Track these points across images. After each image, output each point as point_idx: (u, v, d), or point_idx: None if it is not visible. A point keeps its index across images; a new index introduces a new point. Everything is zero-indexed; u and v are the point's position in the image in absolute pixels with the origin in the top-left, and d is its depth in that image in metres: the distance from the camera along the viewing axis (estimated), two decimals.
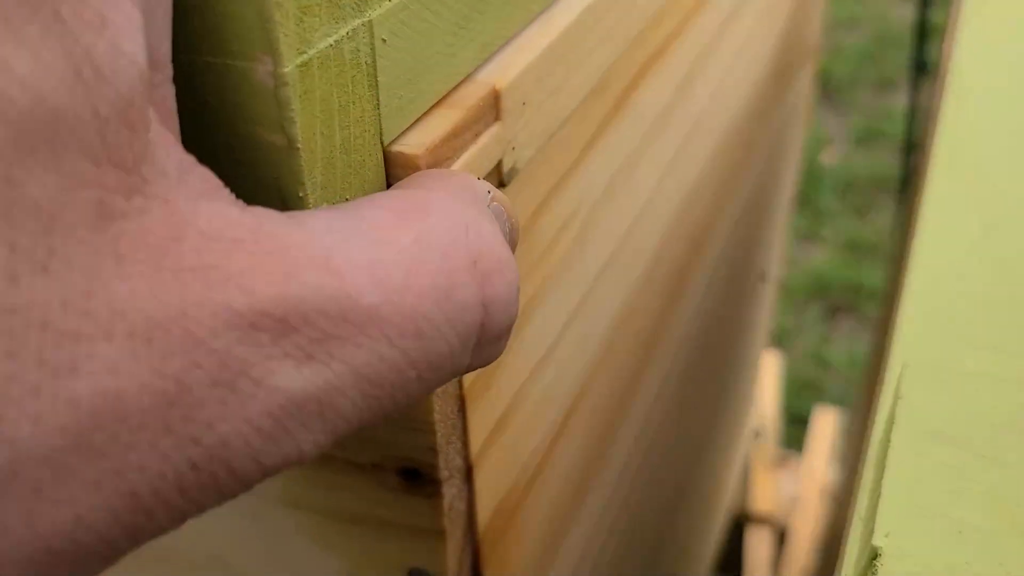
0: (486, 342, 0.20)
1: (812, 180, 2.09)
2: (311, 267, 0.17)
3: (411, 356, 0.18)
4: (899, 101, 2.29)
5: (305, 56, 0.20)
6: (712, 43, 0.50)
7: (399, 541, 0.31)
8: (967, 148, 0.39)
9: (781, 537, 1.13)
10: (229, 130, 0.21)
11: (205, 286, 0.15)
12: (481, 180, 0.23)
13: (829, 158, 2.19)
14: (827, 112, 2.32)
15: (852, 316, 1.83)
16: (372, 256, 0.18)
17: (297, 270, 0.17)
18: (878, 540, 0.22)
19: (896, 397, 0.26)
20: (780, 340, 1.75)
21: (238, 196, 0.22)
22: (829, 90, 2.37)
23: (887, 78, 2.42)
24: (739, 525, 1.15)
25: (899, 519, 0.22)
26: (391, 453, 0.29)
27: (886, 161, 2.16)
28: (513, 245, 0.23)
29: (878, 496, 0.23)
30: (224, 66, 0.20)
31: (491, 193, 0.23)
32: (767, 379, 1.28)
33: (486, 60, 0.27)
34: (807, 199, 2.06)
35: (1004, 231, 0.34)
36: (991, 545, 0.22)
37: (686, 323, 0.62)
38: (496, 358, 0.21)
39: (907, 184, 1.73)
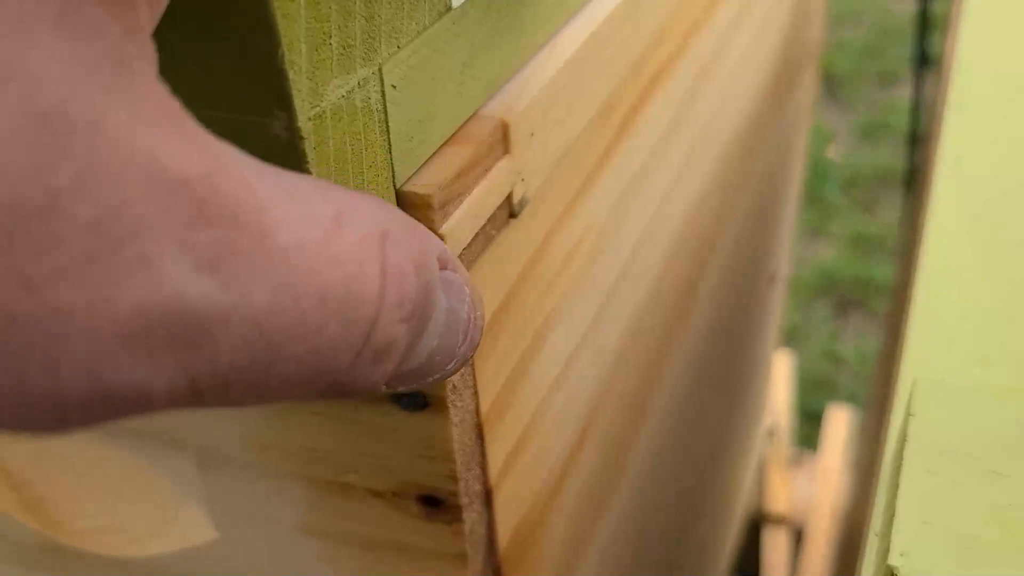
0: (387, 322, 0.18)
1: (817, 176, 2.09)
2: (244, 190, 0.16)
3: (310, 311, 0.16)
4: (902, 94, 2.29)
5: (318, 109, 0.20)
6: (714, 56, 0.50)
7: (420, 566, 0.32)
8: (973, 145, 0.39)
9: (798, 537, 1.13)
10: None
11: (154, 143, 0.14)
12: (439, 242, 0.21)
13: (834, 153, 2.18)
14: (830, 107, 2.31)
15: (862, 311, 1.83)
16: (296, 207, 0.16)
17: (237, 183, 0.15)
18: (894, 559, 0.23)
19: (908, 414, 0.26)
20: (790, 338, 1.75)
21: None
22: (832, 85, 2.37)
23: (889, 72, 2.42)
24: (756, 526, 1.15)
25: (914, 538, 0.23)
26: (411, 480, 0.30)
27: (891, 155, 2.16)
28: (473, 327, 0.21)
29: (892, 514, 0.24)
30: (242, 121, 0.20)
31: (445, 255, 0.20)
32: (779, 379, 1.28)
33: (494, 94, 0.28)
34: (813, 195, 2.06)
35: (1012, 234, 0.35)
36: (1005, 562, 0.22)
37: (697, 330, 0.62)
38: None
39: (913, 178, 1.73)
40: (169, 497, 0.37)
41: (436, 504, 0.30)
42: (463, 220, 0.25)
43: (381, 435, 0.29)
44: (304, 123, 0.20)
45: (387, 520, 0.31)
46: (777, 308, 1.12)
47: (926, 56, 1.70)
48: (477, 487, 0.30)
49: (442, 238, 0.24)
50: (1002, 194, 0.37)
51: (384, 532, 0.31)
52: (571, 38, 0.31)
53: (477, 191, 0.26)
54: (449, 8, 0.25)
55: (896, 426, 0.26)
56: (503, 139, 0.27)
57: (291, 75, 0.19)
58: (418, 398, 0.27)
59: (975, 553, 0.23)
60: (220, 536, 0.36)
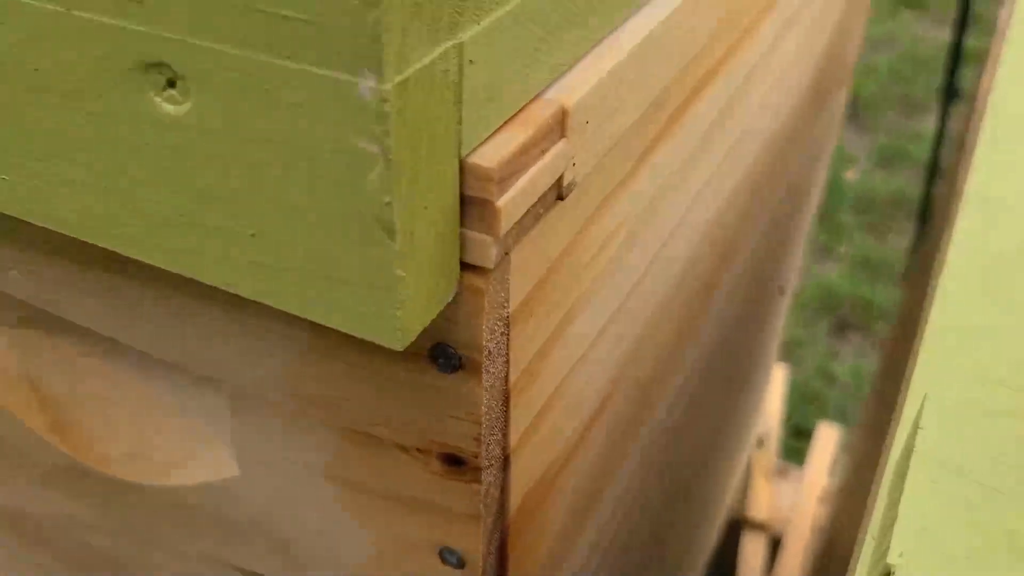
0: None
1: (833, 196, 2.10)
2: None
3: None
4: (925, 124, 2.30)
5: (404, 75, 0.22)
6: (758, 65, 0.52)
7: (434, 522, 0.33)
8: (1002, 181, 0.40)
9: (775, 545, 1.15)
10: (326, 135, 0.22)
11: None
12: None
13: (851, 176, 2.19)
14: (853, 130, 2.32)
15: (860, 333, 1.84)
16: None
17: None
18: (892, 559, 0.24)
19: (916, 427, 0.28)
20: (788, 351, 1.76)
21: (326, 204, 0.23)
22: (856, 108, 2.37)
23: (915, 100, 2.43)
24: (735, 529, 1.17)
25: (914, 541, 0.24)
26: (436, 439, 0.31)
27: (907, 183, 2.17)
28: None
29: (894, 518, 0.25)
30: (328, 77, 0.22)
31: None
32: (774, 389, 1.30)
33: (556, 79, 0.29)
34: (826, 214, 2.07)
35: None
36: (998, 568, 0.24)
37: (709, 329, 0.64)
38: None
39: (927, 207, 1.74)
40: (196, 430, 0.38)
41: (458, 463, 0.31)
42: (518, 197, 0.26)
43: (414, 392, 0.30)
44: (390, 87, 0.21)
45: (409, 474, 0.32)
46: (781, 319, 1.13)
47: (955, 89, 1.71)
48: (497, 451, 0.32)
49: (497, 211, 0.26)
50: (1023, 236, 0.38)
51: (404, 485, 0.33)
52: (633, 32, 0.33)
53: (533, 171, 0.27)
54: None
55: (902, 438, 0.28)
56: (561, 124, 0.28)
57: (385, 36, 0.21)
58: (454, 359, 0.29)
59: (971, 560, 0.24)
60: (242, 474, 0.37)
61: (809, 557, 1.11)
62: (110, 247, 0.28)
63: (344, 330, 0.26)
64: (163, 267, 0.28)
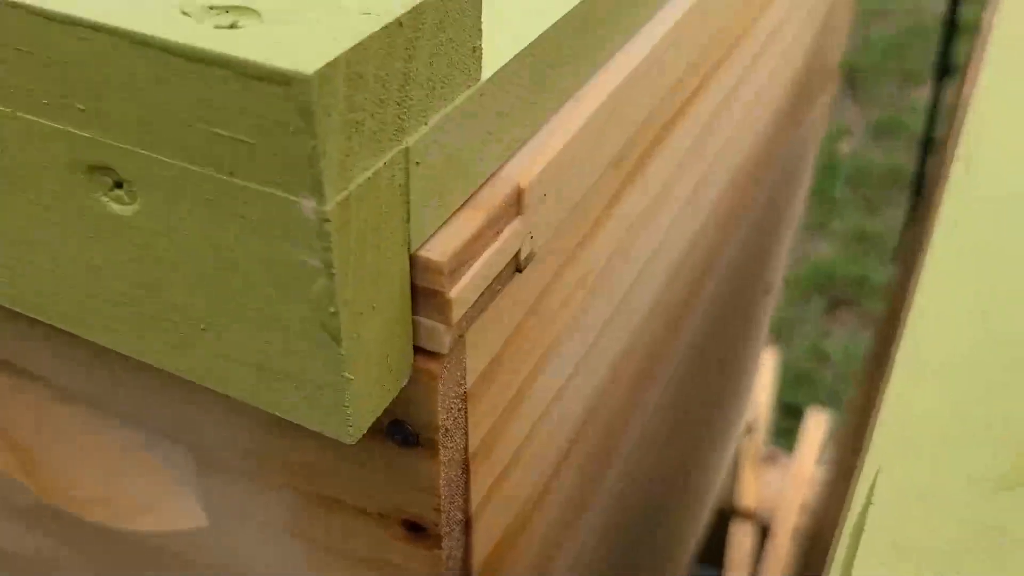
0: None
1: (827, 170, 2.10)
2: None
3: None
4: (921, 96, 2.28)
5: (346, 192, 0.21)
6: (732, 92, 0.51)
7: None
8: (984, 163, 0.40)
9: (764, 533, 1.16)
10: (269, 247, 0.22)
11: None
12: None
13: (846, 148, 2.18)
14: (848, 103, 2.31)
15: (853, 311, 1.85)
16: None
17: None
18: None
19: (867, 503, 0.28)
20: (780, 331, 1.77)
21: (272, 308, 0.23)
22: (853, 81, 2.35)
23: (912, 72, 2.41)
24: (724, 517, 1.18)
25: None
26: (397, 507, 0.31)
27: (902, 156, 2.16)
28: None
29: None
30: (269, 195, 0.22)
31: None
32: (763, 376, 1.30)
33: (511, 156, 0.29)
34: (820, 189, 2.06)
35: (999, 315, 0.36)
36: None
37: (689, 342, 0.64)
38: None
39: (921, 182, 1.73)
40: (164, 480, 0.39)
41: (418, 530, 0.31)
42: (471, 283, 0.27)
43: (374, 463, 0.30)
44: (330, 207, 0.21)
45: (372, 537, 0.33)
46: (768, 315, 1.13)
47: (949, 61, 1.70)
48: (458, 516, 0.32)
49: (449, 301, 0.26)
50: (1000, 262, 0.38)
51: (368, 548, 0.33)
52: (593, 94, 0.32)
53: (488, 253, 0.27)
54: (478, 80, 0.26)
55: (855, 513, 0.28)
56: (517, 203, 0.28)
57: (322, 164, 0.20)
58: (410, 437, 0.29)
59: None
60: (211, 524, 0.37)
61: (797, 545, 1.12)
62: (62, 327, 0.28)
63: (295, 421, 0.26)
64: (117, 351, 0.28)
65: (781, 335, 1.75)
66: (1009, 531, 0.28)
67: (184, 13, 0.21)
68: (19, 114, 0.24)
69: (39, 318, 0.29)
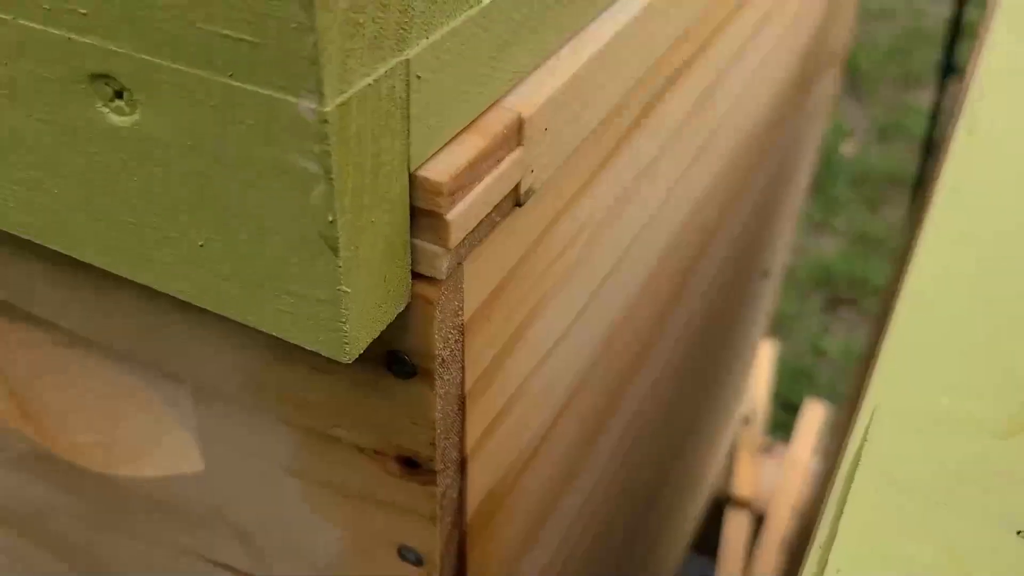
0: None
1: (829, 170, 2.10)
2: None
3: None
4: (924, 98, 2.28)
5: (345, 95, 0.21)
6: (735, 57, 0.51)
7: (393, 520, 0.34)
8: (975, 174, 0.40)
9: (759, 522, 1.16)
10: (268, 152, 0.22)
11: None
12: None
13: (848, 150, 2.18)
14: (851, 104, 2.31)
15: (853, 309, 1.85)
16: None
17: None
18: (830, 574, 0.24)
19: (864, 440, 0.28)
20: (780, 327, 1.77)
21: (270, 213, 0.23)
22: (855, 82, 2.36)
23: (914, 74, 2.41)
24: (719, 506, 1.18)
25: (851, 558, 0.24)
26: (392, 441, 0.31)
27: (904, 157, 2.16)
28: None
29: (835, 533, 0.25)
30: (269, 97, 0.22)
31: None
32: (762, 366, 1.30)
33: (515, 85, 0.29)
34: (822, 188, 2.06)
35: (1000, 271, 0.36)
36: None
37: (687, 316, 0.64)
38: None
39: (921, 184, 1.73)
40: (161, 423, 0.39)
41: (413, 466, 0.31)
42: (470, 208, 0.26)
43: (370, 395, 0.30)
44: (330, 108, 0.21)
45: (367, 474, 0.33)
46: (767, 300, 1.13)
47: (952, 64, 1.70)
48: (454, 454, 0.32)
49: (448, 224, 0.26)
50: (995, 234, 0.38)
51: (363, 484, 0.33)
52: (596, 35, 0.32)
53: (486, 180, 0.27)
54: (480, 2, 0.26)
55: (852, 449, 0.28)
56: (517, 132, 0.28)
57: (323, 59, 0.20)
58: (407, 366, 0.29)
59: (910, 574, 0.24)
60: (207, 468, 0.37)
61: (791, 534, 1.12)
62: (62, 250, 0.28)
63: (291, 340, 0.26)
64: (113, 272, 0.28)
65: (781, 331, 1.75)
66: (1003, 469, 0.28)
67: None
68: (20, 21, 0.24)
69: (40, 241, 0.29)
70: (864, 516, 0.26)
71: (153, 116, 0.24)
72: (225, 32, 0.21)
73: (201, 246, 0.25)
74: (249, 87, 0.22)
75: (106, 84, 0.24)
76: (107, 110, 0.24)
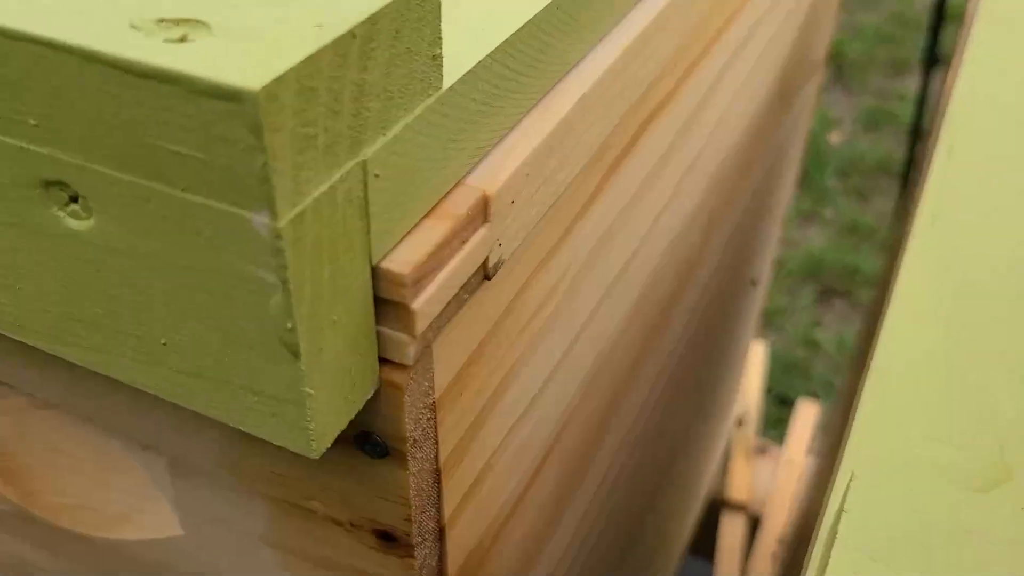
0: None
1: (817, 160, 2.09)
2: None
3: None
4: (912, 84, 2.28)
5: (299, 208, 0.21)
6: (714, 86, 0.51)
7: None
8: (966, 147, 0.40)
9: (755, 524, 1.16)
10: (225, 262, 0.22)
11: None
12: None
13: (836, 139, 2.18)
14: (837, 92, 2.30)
15: (845, 300, 1.85)
16: None
17: None
18: None
19: (841, 511, 0.28)
20: (771, 320, 1.77)
21: (231, 324, 0.23)
22: (841, 70, 2.35)
23: (902, 61, 2.40)
24: (715, 509, 1.18)
25: None
26: (368, 516, 0.31)
27: (892, 145, 2.16)
28: None
29: None
30: (223, 210, 0.21)
31: None
32: (753, 368, 1.30)
33: (479, 161, 0.29)
34: (810, 179, 2.06)
35: (976, 313, 0.36)
36: None
37: (676, 334, 0.64)
38: None
39: (910, 171, 1.73)
40: (140, 489, 0.38)
41: (391, 540, 0.31)
42: (436, 293, 0.26)
43: (344, 473, 0.30)
44: (283, 223, 0.21)
45: (345, 546, 0.33)
46: (756, 308, 1.13)
47: (937, 50, 1.69)
48: (431, 525, 0.32)
49: (412, 314, 0.25)
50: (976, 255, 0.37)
51: (341, 556, 0.33)
52: (563, 98, 0.32)
53: (452, 264, 0.27)
54: (439, 89, 0.25)
55: (830, 519, 0.28)
56: (483, 211, 0.28)
57: (274, 180, 0.20)
58: (379, 447, 0.29)
59: None
60: (187, 534, 0.37)
61: (786, 536, 1.12)
62: (30, 343, 0.28)
63: (258, 435, 0.26)
64: (80, 364, 0.28)
65: (772, 324, 1.75)
66: (984, 533, 0.28)
67: (134, 27, 0.21)
68: None
69: (8, 334, 0.28)
70: None
71: (109, 222, 0.23)
72: (176, 148, 0.21)
73: (164, 344, 0.25)
74: (202, 201, 0.21)
75: (60, 190, 0.24)
76: (63, 214, 0.24)
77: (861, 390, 0.33)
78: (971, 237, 0.39)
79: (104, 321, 0.26)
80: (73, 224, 0.24)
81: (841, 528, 0.27)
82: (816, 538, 0.28)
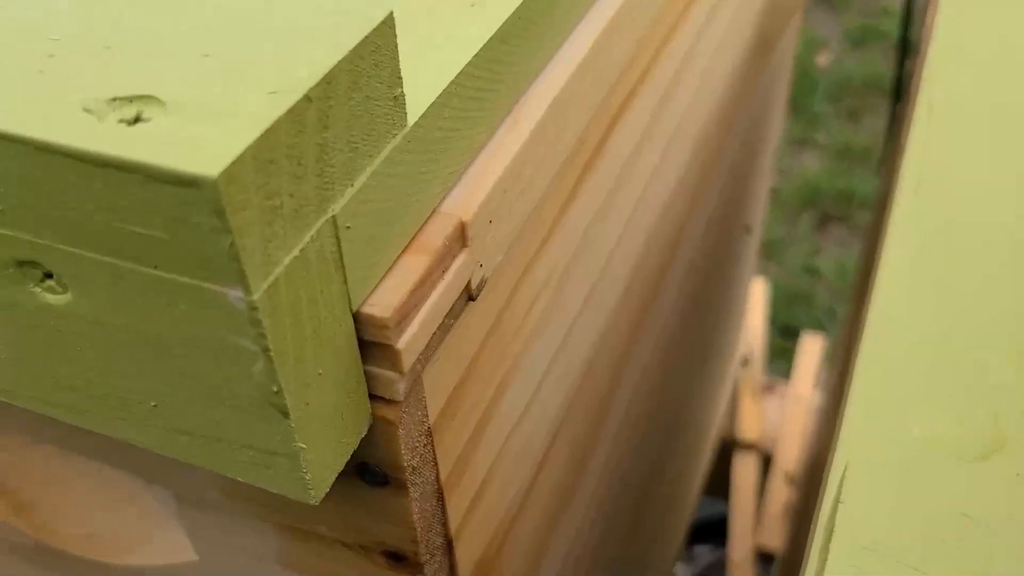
0: None
1: (805, 85, 2.07)
2: None
3: None
4: None
5: (272, 277, 0.21)
6: (690, 51, 0.50)
7: None
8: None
9: (767, 461, 1.18)
10: (204, 332, 0.22)
11: None
12: None
13: (823, 60, 2.15)
14: (822, 13, 2.27)
15: (843, 225, 1.84)
16: None
17: None
18: None
19: (837, 502, 0.28)
20: (771, 251, 1.76)
21: (217, 388, 0.23)
22: None
23: None
24: (727, 449, 1.20)
25: None
26: (375, 539, 0.32)
27: (881, 62, 2.13)
28: None
29: None
30: (197, 286, 0.21)
31: None
32: (755, 307, 1.31)
33: (452, 186, 0.28)
34: (800, 104, 2.04)
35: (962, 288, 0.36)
36: None
37: (671, 300, 0.64)
38: None
39: (900, 87, 1.71)
40: (152, 516, 0.39)
41: (400, 559, 0.32)
42: (420, 328, 0.26)
43: (347, 500, 0.31)
44: (257, 296, 0.21)
45: (356, 566, 0.33)
46: (753, 250, 1.13)
47: None
48: (438, 541, 0.32)
49: (398, 353, 0.25)
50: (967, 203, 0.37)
51: (354, 574, 0.34)
52: (535, 103, 0.32)
53: (434, 296, 0.27)
54: (404, 126, 0.25)
55: (826, 512, 0.28)
56: (461, 237, 0.28)
57: (243, 258, 0.20)
58: (379, 476, 0.29)
59: None
60: (201, 559, 0.38)
61: (798, 470, 1.14)
62: (25, 407, 0.28)
63: (257, 485, 0.26)
64: (73, 424, 0.28)
65: (772, 256, 1.75)
66: (979, 518, 0.28)
67: (87, 110, 0.21)
68: None
69: (4, 399, 0.29)
70: None
71: (86, 297, 0.23)
72: (142, 231, 0.21)
73: (154, 406, 0.25)
74: (175, 277, 0.21)
75: (34, 268, 0.23)
76: (39, 290, 0.24)
77: (851, 375, 0.33)
78: (956, 202, 0.38)
79: (91, 388, 0.26)
80: (51, 299, 0.24)
81: (838, 521, 0.28)
82: (813, 533, 0.29)
